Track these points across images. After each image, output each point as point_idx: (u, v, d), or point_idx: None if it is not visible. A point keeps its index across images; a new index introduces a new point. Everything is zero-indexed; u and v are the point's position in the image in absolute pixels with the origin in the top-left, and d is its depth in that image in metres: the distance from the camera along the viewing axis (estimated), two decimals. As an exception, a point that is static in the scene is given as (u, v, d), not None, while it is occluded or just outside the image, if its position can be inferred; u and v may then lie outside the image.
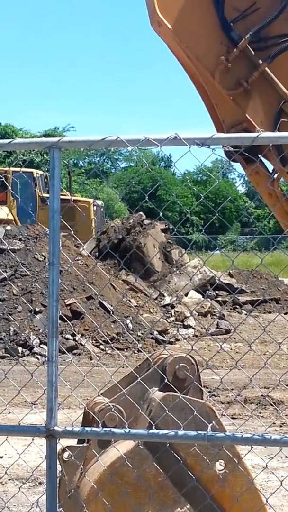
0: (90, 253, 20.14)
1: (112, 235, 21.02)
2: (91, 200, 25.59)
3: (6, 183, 23.22)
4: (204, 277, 20.47)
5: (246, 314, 19.37)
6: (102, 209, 26.35)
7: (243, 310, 20.41)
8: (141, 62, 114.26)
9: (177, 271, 20.18)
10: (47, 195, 25.43)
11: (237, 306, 20.65)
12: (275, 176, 4.66)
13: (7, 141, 3.70)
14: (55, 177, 3.51)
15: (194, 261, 21.18)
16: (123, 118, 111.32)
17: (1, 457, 7.33)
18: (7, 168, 26.00)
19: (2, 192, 23.92)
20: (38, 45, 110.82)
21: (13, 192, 24.30)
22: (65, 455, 3.88)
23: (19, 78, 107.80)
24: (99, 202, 26.28)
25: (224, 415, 4.49)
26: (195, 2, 4.63)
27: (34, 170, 27.05)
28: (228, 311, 20.09)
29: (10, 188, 24.56)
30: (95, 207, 25.31)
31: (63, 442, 3.66)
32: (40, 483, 6.72)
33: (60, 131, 60.62)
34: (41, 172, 27.96)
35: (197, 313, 18.76)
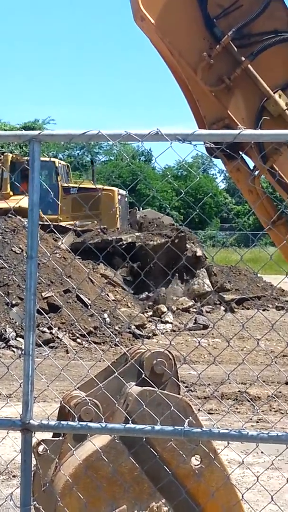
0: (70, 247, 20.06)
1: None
2: (115, 189, 25.26)
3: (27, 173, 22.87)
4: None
5: (225, 311, 19.41)
6: (126, 199, 26.14)
7: (221, 307, 20.44)
8: (122, 56, 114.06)
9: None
10: (71, 185, 25.32)
11: (220, 304, 20.63)
12: (256, 173, 4.68)
13: None
14: (35, 171, 3.48)
15: None
16: (103, 111, 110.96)
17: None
18: (28, 157, 25.66)
19: (23, 182, 23.66)
20: (18, 36, 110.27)
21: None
22: (40, 448, 3.87)
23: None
24: (123, 192, 26.10)
25: (200, 410, 4.50)
26: (179, -2, 4.62)
27: (56, 160, 26.91)
28: (211, 309, 20.04)
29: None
30: (119, 196, 25.09)
31: (38, 436, 3.65)
32: (14, 476, 6.70)
33: (40, 123, 60.27)
34: (63, 162, 27.76)
35: (176, 309, 18.75)
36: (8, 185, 23.96)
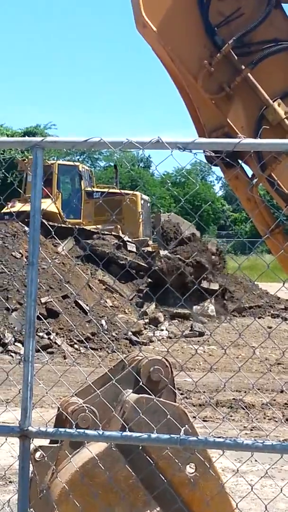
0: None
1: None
2: (138, 194, 25.19)
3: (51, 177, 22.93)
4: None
5: (225, 319, 19.33)
6: (148, 204, 26.12)
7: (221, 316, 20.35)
8: (123, 62, 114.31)
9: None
10: (93, 189, 25.27)
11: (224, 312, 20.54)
12: (254, 181, 4.68)
13: None
14: (37, 177, 3.49)
15: None
16: (104, 117, 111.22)
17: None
18: (53, 161, 25.61)
19: (47, 186, 23.62)
20: (20, 41, 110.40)
21: (59, 185, 23.97)
22: (37, 455, 3.86)
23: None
24: (146, 197, 26.05)
25: (195, 417, 4.50)
26: (180, 5, 4.63)
27: (79, 164, 26.87)
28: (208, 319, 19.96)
29: (55, 181, 24.12)
30: (142, 201, 25.05)
31: (35, 442, 3.65)
32: (10, 482, 6.68)
33: (41, 128, 60.31)
34: (86, 166, 27.69)
35: (172, 317, 18.69)
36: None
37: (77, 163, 26.77)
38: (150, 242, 24.07)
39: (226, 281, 20.73)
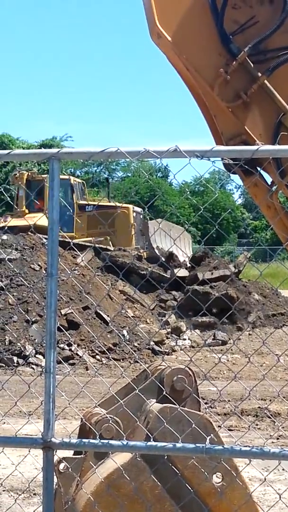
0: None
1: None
2: (131, 206, 25.40)
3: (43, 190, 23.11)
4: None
5: (249, 329, 19.19)
6: (141, 216, 26.29)
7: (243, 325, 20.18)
8: (139, 72, 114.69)
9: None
10: (85, 202, 25.40)
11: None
12: (274, 188, 4.67)
13: (6, 151, 3.69)
14: (55, 188, 3.49)
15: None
16: (120, 127, 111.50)
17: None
18: (44, 176, 25.84)
19: (40, 200, 23.81)
20: (35, 54, 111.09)
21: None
22: (61, 466, 3.86)
23: (15, 87, 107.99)
24: (138, 209, 26.21)
25: (220, 426, 4.48)
26: (194, 15, 4.65)
27: (71, 177, 27.01)
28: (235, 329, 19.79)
29: (47, 195, 24.34)
30: (134, 214, 25.20)
31: (59, 453, 3.65)
32: (35, 494, 6.68)
33: (57, 140, 60.64)
34: (79, 179, 27.85)
35: (193, 326, 18.62)
36: (24, 203, 24.08)
37: (68, 176, 26.82)
38: (142, 251, 24.10)
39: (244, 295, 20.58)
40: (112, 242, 22.52)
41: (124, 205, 25.76)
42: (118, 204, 27.41)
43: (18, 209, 23.73)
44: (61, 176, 26.38)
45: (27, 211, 23.64)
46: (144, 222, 25.54)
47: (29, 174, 25.16)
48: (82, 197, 25.98)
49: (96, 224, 23.20)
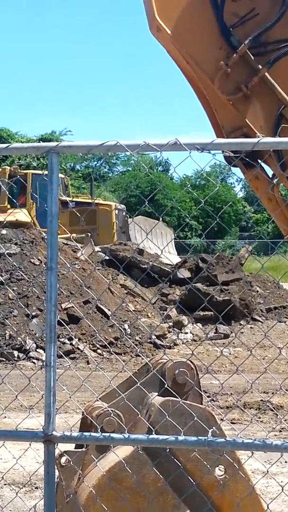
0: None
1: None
2: (113, 204, 25.52)
3: (26, 185, 23.12)
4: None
5: (248, 322, 19.18)
6: (124, 213, 26.33)
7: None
8: (138, 66, 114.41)
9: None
10: (68, 199, 25.42)
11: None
12: (275, 181, 4.66)
13: (4, 145, 3.67)
14: (53, 182, 3.48)
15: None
16: (120, 122, 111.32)
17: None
18: (27, 171, 25.82)
19: (22, 195, 23.82)
20: (34, 49, 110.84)
21: (33, 194, 24.14)
22: (63, 460, 3.86)
23: (14, 81, 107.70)
24: (121, 206, 26.23)
25: (223, 419, 4.47)
26: (194, 8, 4.63)
27: None
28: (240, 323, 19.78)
29: (30, 190, 24.38)
30: (116, 211, 25.32)
31: (60, 447, 3.65)
32: (36, 487, 6.70)
33: (57, 135, 60.47)
34: (61, 175, 27.89)
35: (195, 320, 18.61)
36: (6, 198, 24.09)
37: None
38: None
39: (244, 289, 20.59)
40: (94, 239, 22.56)
41: (107, 202, 25.94)
42: (102, 202, 27.53)
43: (0, 204, 23.75)
44: (40, 172, 26.56)
45: (8, 206, 23.70)
46: (124, 219, 25.68)
47: (12, 169, 25.15)
48: (65, 193, 25.93)
49: (78, 221, 23.21)
